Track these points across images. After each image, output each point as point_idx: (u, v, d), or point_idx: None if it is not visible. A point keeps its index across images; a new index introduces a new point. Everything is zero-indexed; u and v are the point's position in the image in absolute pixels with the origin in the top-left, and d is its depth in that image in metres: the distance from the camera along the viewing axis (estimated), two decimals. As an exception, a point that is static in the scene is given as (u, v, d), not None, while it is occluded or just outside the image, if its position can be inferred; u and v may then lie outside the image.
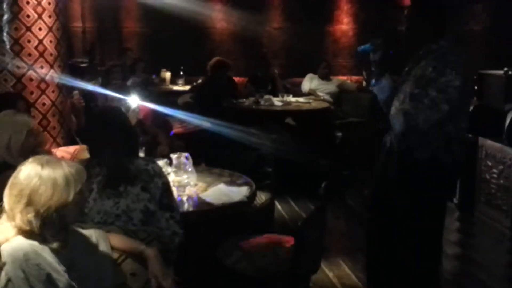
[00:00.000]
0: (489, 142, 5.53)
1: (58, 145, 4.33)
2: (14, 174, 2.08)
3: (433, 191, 3.15)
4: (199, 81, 8.46)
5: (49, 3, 4.22)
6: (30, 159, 2.11)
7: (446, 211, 3.31)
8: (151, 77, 8.94)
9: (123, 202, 2.68)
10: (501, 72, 6.46)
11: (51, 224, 2.06)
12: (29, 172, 2.05)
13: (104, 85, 6.20)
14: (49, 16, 4.24)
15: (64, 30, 4.35)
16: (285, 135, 6.46)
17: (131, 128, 3.03)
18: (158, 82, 9.02)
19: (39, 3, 4.21)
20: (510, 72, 6.49)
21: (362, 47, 3.42)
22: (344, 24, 10.34)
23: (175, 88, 8.78)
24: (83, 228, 2.32)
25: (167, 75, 9.01)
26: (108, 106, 4.20)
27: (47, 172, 2.06)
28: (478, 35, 10.28)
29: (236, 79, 8.82)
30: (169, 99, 7.78)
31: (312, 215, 3.49)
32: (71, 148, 4.15)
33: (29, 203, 2.02)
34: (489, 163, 5.48)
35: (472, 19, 10.29)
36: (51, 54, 4.27)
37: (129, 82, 5.24)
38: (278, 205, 5.59)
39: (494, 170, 5.40)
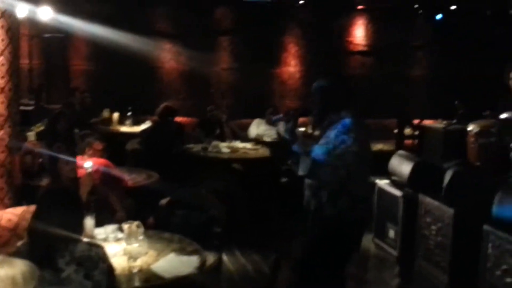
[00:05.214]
0: (428, 200, 5.66)
1: (5, 206, 4.27)
2: None
3: (338, 246, 3.66)
4: (148, 122, 8.50)
5: (3, 64, 4.19)
6: None
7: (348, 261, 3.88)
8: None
9: None
10: (441, 126, 6.70)
11: None
12: None
13: (49, 134, 6.17)
14: (2, 77, 4.21)
15: (16, 91, 4.32)
16: (233, 185, 6.55)
17: (81, 214, 3.04)
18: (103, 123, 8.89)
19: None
20: (449, 128, 6.73)
21: (276, 117, 4.13)
22: (291, 66, 10.59)
23: (123, 129, 8.76)
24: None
25: (115, 115, 8.97)
26: (62, 187, 4.14)
27: (4, 272, 2.06)
28: (419, 80, 10.71)
29: (184, 119, 8.92)
30: (118, 140, 7.82)
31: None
32: (19, 210, 4.12)
33: None
34: (428, 220, 5.63)
35: (414, 65, 10.74)
36: (1, 115, 4.23)
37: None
38: (224, 257, 5.64)
39: (433, 227, 5.55)
